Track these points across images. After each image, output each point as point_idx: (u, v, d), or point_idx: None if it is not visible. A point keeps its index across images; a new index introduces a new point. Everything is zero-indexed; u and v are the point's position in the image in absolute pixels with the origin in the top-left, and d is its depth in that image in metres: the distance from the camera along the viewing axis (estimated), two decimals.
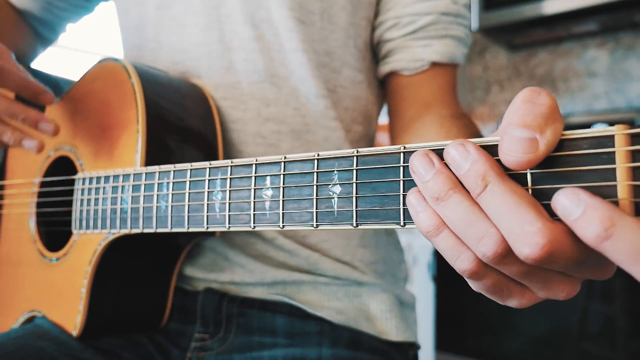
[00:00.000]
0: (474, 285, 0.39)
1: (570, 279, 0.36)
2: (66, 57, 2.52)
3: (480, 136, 0.65)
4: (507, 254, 0.33)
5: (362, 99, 0.82)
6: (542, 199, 0.33)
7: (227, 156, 0.74)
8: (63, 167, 0.78)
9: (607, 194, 0.30)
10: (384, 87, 0.86)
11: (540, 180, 0.33)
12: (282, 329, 0.73)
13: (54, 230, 0.78)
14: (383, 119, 0.90)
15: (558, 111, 0.32)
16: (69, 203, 0.72)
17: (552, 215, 0.32)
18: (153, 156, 0.64)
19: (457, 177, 0.36)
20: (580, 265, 0.33)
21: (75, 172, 0.73)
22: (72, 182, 0.73)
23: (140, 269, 0.70)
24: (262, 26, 0.76)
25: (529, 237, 0.31)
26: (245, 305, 0.74)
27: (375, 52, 0.85)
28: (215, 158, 0.72)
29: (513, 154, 0.32)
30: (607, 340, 1.72)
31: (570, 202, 0.30)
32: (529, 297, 0.38)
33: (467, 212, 0.34)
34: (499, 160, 0.34)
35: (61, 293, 0.70)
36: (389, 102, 0.84)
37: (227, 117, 0.75)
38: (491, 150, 0.35)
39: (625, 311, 1.69)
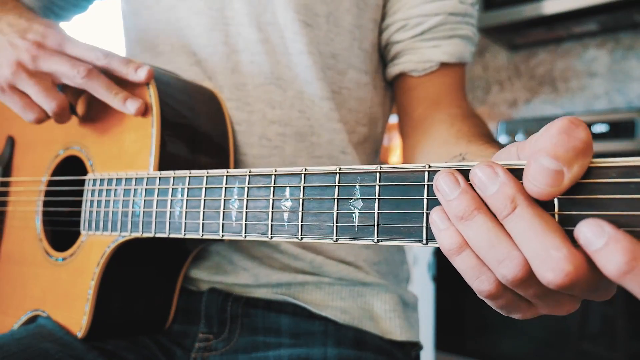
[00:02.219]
0: (485, 300, 0.39)
1: (575, 298, 0.37)
2: None
3: (491, 134, 0.65)
4: (527, 277, 0.34)
5: (366, 100, 0.83)
6: (567, 225, 0.33)
7: (234, 158, 0.74)
8: (72, 167, 0.77)
9: (635, 224, 0.30)
10: (393, 88, 0.87)
11: (567, 206, 0.33)
12: (287, 329, 0.73)
13: (60, 229, 0.78)
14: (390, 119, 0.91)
15: (591, 147, 0.32)
16: (78, 203, 0.72)
17: (575, 242, 0.32)
18: (166, 159, 0.63)
19: (481, 198, 0.36)
20: (593, 291, 0.33)
21: (84, 172, 0.72)
22: (81, 183, 0.72)
23: (147, 272, 0.70)
24: (267, 29, 0.76)
25: (554, 263, 0.31)
26: (250, 305, 0.74)
27: (383, 54, 0.85)
28: (227, 162, 0.72)
29: (537, 184, 0.33)
30: (607, 340, 1.73)
31: (592, 233, 0.30)
32: (532, 312, 0.39)
33: (490, 233, 0.35)
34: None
35: (67, 293, 0.69)
36: (398, 102, 0.85)
37: (232, 118, 0.75)
38: (515, 174, 0.35)
39: (625, 311, 1.70)
